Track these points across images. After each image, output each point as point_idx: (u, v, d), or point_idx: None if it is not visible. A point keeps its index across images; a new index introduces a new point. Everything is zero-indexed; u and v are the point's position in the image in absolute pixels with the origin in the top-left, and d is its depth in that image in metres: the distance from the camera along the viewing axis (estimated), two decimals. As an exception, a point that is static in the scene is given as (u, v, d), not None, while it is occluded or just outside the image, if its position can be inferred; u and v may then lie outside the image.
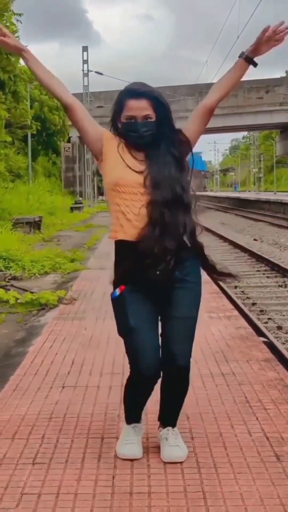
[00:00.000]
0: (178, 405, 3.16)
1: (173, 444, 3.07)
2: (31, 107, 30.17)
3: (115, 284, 3.02)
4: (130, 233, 2.93)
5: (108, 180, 3.01)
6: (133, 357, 2.99)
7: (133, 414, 3.20)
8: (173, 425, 3.17)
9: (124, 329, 2.99)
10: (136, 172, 2.95)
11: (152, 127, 2.97)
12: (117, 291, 3.00)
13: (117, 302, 3.02)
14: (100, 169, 3.11)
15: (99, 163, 3.11)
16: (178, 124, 3.10)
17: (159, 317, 3.05)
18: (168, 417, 3.18)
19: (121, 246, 3.00)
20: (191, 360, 3.05)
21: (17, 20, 21.66)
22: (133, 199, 2.94)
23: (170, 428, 3.15)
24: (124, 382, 4.19)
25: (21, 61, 23.93)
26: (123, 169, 2.97)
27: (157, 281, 2.91)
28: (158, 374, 3.00)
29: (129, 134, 2.99)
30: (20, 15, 21.59)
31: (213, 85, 3.13)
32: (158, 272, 2.88)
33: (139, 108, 2.95)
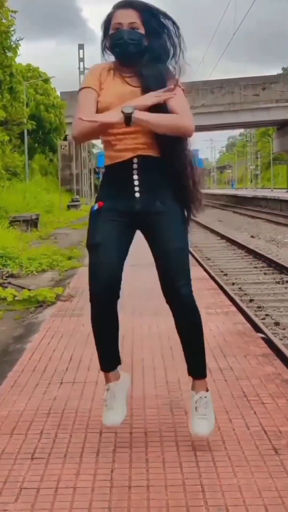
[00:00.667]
0: (198, 347, 3.14)
1: (201, 416, 3.06)
2: (26, 106, 30.14)
3: (96, 200, 3.13)
4: (113, 156, 3.05)
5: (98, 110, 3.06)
6: (91, 271, 3.05)
7: (105, 353, 3.18)
8: (202, 374, 3.15)
9: (90, 243, 3.07)
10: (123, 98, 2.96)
11: (139, 38, 2.97)
12: (96, 206, 3.08)
13: (93, 215, 3.09)
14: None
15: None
16: None
17: (152, 250, 3.11)
18: (194, 365, 3.16)
19: (107, 170, 3.12)
20: (191, 290, 3.06)
21: (12, 17, 21.58)
22: (116, 127, 2.98)
23: (202, 393, 3.12)
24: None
25: (17, 59, 23.93)
26: (109, 100, 3.00)
27: (137, 205, 3.03)
28: (112, 294, 3.03)
29: (116, 43, 2.99)
30: (15, 12, 21.54)
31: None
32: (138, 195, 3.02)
33: (126, 16, 2.97)
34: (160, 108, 2.95)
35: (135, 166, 3.02)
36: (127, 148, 3.02)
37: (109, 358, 3.21)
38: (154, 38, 3.01)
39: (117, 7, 3.02)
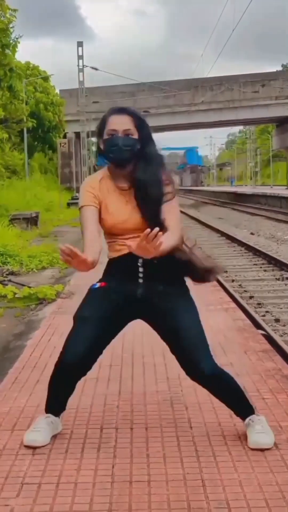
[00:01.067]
0: (234, 401, 3.16)
1: (260, 431, 3.05)
2: (26, 104, 30.10)
3: (99, 280, 3.16)
4: (118, 250, 3.07)
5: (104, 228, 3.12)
6: (66, 342, 3.10)
7: (52, 403, 3.21)
8: (249, 413, 3.14)
9: (77, 316, 3.10)
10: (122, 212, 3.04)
11: (133, 144, 3.02)
12: (97, 284, 3.11)
13: (91, 292, 3.12)
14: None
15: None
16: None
17: (162, 336, 3.16)
18: (239, 411, 3.18)
19: (111, 262, 3.14)
20: (215, 364, 3.09)
21: (11, 14, 21.58)
22: (120, 234, 3.06)
23: (253, 416, 3.13)
24: (123, 374, 4.25)
25: (16, 56, 23.90)
26: (111, 215, 3.06)
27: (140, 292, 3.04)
28: (78, 368, 3.07)
29: (110, 149, 3.02)
30: (15, 10, 21.55)
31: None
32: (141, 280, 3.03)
33: (120, 122, 3.02)
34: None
35: (140, 263, 3.03)
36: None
37: (58, 407, 3.24)
38: (149, 143, 3.07)
39: (112, 112, 3.06)
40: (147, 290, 3.05)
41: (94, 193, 3.09)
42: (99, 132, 3.09)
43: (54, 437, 3.24)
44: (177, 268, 3.08)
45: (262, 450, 3.00)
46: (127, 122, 3.03)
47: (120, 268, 3.08)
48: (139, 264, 3.02)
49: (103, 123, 3.07)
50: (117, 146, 3.00)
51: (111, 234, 3.12)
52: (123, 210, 3.05)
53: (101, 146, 3.08)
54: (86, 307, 3.09)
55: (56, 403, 3.22)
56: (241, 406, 3.17)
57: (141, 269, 3.04)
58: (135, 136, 3.04)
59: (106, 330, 3.08)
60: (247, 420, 3.14)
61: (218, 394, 3.18)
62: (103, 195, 3.09)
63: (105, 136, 3.04)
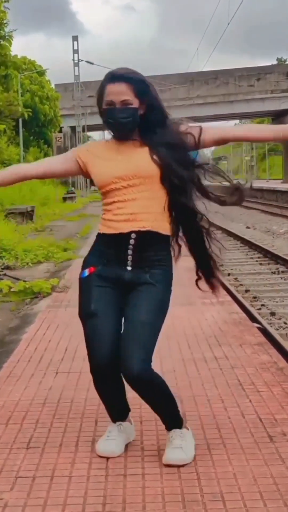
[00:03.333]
0: (162, 410, 2.94)
1: (176, 446, 2.87)
2: (21, 96, 30.00)
3: (86, 265, 2.98)
4: (110, 226, 2.89)
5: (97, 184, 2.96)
6: (89, 343, 2.89)
7: (112, 410, 3.06)
8: (176, 427, 2.94)
9: (85, 313, 2.91)
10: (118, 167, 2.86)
11: (131, 114, 2.82)
12: (86, 271, 2.95)
13: (84, 282, 2.95)
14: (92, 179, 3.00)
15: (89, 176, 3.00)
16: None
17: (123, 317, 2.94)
18: (164, 420, 2.97)
19: (100, 237, 2.96)
20: (146, 367, 2.77)
21: (5, 7, 21.52)
22: (116, 194, 2.86)
23: (177, 430, 2.93)
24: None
25: (14, 51, 23.83)
26: (105, 169, 2.89)
27: (127, 274, 2.88)
28: (113, 364, 2.84)
29: (108, 121, 2.86)
30: (7, 1, 21.48)
31: (248, 126, 3.26)
32: (129, 268, 2.87)
33: (117, 92, 2.81)
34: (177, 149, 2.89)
35: (131, 242, 2.84)
36: (126, 219, 2.84)
37: (118, 410, 3.07)
38: (153, 111, 2.88)
39: (108, 80, 2.84)
40: (134, 277, 2.88)
41: (82, 153, 2.96)
42: (98, 100, 2.89)
43: (48, 430, 3.24)
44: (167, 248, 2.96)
45: (177, 466, 2.80)
46: (124, 91, 2.80)
47: (108, 250, 2.89)
48: (129, 251, 2.86)
49: (101, 90, 2.87)
50: (114, 118, 2.83)
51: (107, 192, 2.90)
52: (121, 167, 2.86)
53: (101, 116, 2.91)
54: (89, 302, 2.90)
55: (115, 407, 3.04)
56: (169, 418, 2.95)
57: (130, 257, 2.86)
58: (135, 104, 2.82)
59: (117, 314, 2.91)
60: (170, 433, 2.93)
61: (147, 399, 2.91)
62: (96, 154, 2.93)
63: (104, 106, 2.86)
